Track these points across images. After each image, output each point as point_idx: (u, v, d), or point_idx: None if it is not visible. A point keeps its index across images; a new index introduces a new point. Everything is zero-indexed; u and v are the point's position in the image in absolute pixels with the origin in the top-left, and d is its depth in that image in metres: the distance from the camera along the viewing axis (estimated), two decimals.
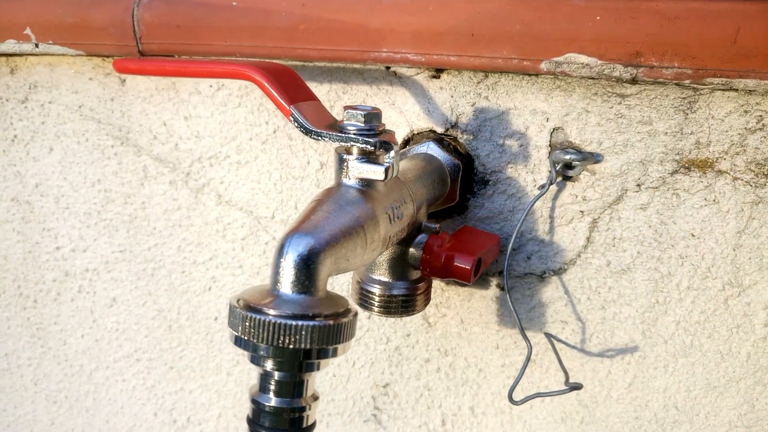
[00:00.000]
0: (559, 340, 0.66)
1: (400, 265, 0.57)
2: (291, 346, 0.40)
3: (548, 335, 0.65)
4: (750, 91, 0.54)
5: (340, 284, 0.73)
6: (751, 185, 0.57)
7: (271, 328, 0.40)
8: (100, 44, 0.70)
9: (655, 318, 0.63)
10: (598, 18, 0.54)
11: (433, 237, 0.56)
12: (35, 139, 0.81)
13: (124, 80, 0.75)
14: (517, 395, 0.67)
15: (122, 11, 0.68)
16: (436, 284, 0.69)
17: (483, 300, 0.67)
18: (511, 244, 0.61)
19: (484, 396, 0.71)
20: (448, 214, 0.66)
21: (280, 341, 0.40)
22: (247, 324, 0.40)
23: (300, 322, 0.40)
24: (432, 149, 0.62)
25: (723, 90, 0.55)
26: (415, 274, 0.58)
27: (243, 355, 0.80)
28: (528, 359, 0.60)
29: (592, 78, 0.56)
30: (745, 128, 0.56)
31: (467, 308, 0.68)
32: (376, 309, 0.58)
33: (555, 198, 0.62)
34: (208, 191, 0.75)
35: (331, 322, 0.41)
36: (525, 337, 0.61)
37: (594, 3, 0.54)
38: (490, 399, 0.71)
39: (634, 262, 0.62)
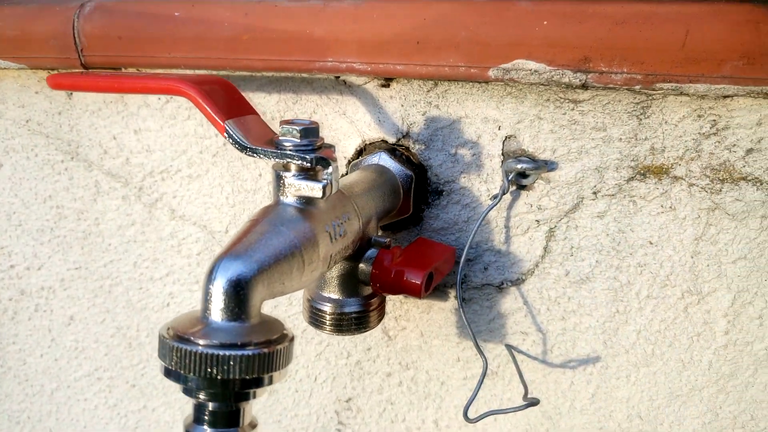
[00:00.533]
0: (520, 352, 0.64)
1: (351, 282, 0.55)
2: (219, 377, 0.38)
3: (509, 347, 0.64)
4: (702, 95, 0.53)
5: (298, 300, 0.72)
6: (707, 191, 0.56)
7: (198, 359, 0.38)
8: (43, 57, 0.68)
9: (615, 327, 0.61)
10: (545, 23, 0.52)
11: (384, 252, 0.54)
12: None
13: (71, 93, 0.72)
14: (480, 409, 0.66)
15: (63, 22, 0.65)
16: (395, 297, 0.67)
17: (442, 312, 0.66)
18: (464, 256, 0.59)
19: (447, 409, 0.69)
20: (404, 225, 0.64)
21: (208, 372, 0.38)
22: (174, 355, 0.38)
23: (228, 352, 0.38)
24: (384, 160, 0.61)
25: (675, 95, 0.54)
26: (367, 290, 0.56)
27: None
28: (483, 375, 0.59)
29: (543, 84, 0.55)
30: (699, 133, 0.54)
31: (426, 321, 0.67)
32: (327, 328, 0.56)
33: (510, 207, 0.60)
34: (161, 206, 0.73)
35: (265, 350, 0.39)
36: (480, 351, 0.59)
37: (541, 7, 0.53)
38: (454, 412, 0.69)
39: (593, 271, 0.60)
